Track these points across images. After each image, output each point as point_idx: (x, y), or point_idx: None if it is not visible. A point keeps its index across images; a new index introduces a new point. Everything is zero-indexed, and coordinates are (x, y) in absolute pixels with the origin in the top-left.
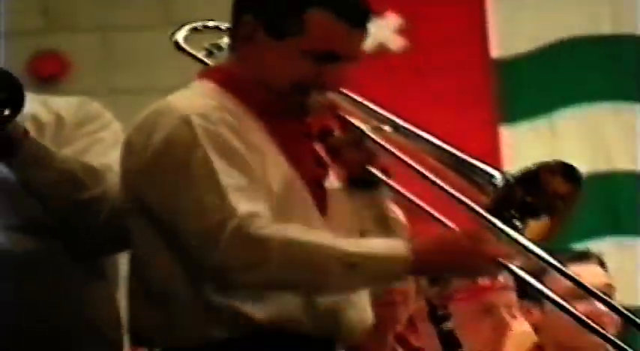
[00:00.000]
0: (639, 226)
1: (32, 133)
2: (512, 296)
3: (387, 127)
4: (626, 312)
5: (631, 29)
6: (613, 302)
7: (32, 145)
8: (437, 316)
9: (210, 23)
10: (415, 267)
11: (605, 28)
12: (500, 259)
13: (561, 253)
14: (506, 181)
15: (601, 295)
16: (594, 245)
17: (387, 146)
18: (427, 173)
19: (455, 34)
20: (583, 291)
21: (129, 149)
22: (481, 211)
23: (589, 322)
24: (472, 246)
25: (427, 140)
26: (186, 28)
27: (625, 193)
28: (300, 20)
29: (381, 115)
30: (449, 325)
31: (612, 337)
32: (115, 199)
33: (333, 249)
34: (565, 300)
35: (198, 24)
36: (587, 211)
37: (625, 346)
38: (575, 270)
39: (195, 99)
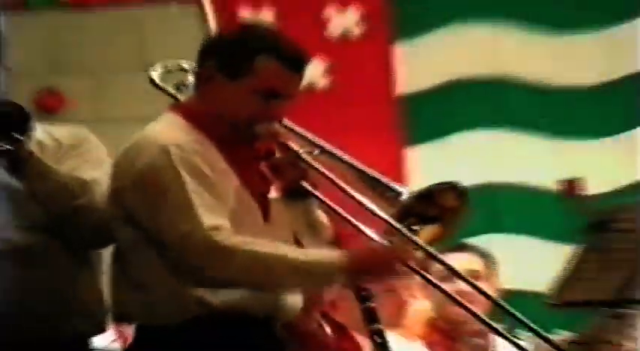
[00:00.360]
0: (520, 226)
1: (36, 153)
2: (412, 281)
3: (315, 151)
4: (483, 290)
5: (514, 72)
6: (474, 283)
7: (35, 163)
8: (361, 296)
9: (180, 65)
10: (349, 273)
11: (491, 69)
12: (410, 265)
13: (449, 245)
14: (409, 196)
15: (467, 278)
16: (482, 240)
17: (316, 166)
18: (347, 188)
19: (369, 75)
20: (452, 273)
21: (117, 170)
22: (388, 218)
23: (457, 298)
24: (390, 257)
25: (348, 162)
26: (160, 68)
27: (508, 200)
28: (251, 65)
29: (311, 140)
30: (371, 303)
31: (474, 310)
32: (99, 206)
33: (285, 258)
34: (441, 282)
35: (170, 65)
36: (478, 212)
37: (483, 317)
38: (453, 257)
39: (171, 132)
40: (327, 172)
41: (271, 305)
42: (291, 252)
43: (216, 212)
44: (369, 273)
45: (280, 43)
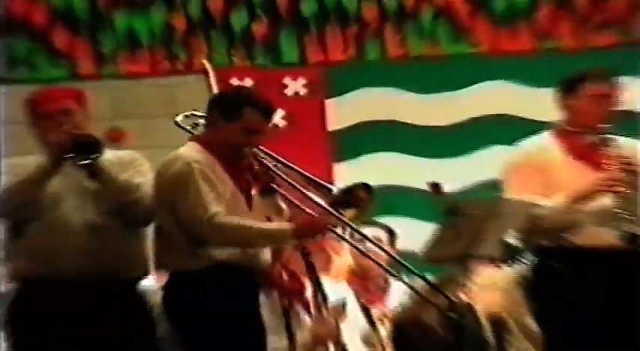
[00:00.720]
0: (407, 211)
1: (106, 167)
2: (337, 243)
3: (278, 165)
4: (385, 249)
5: (402, 118)
6: (379, 244)
7: (104, 173)
8: (304, 252)
9: (194, 113)
10: (296, 235)
11: (388, 116)
12: (333, 230)
13: (365, 222)
14: (337, 191)
15: (374, 241)
16: (384, 220)
17: (279, 173)
18: (298, 186)
19: (311, 118)
20: (365, 239)
21: (158, 176)
22: (326, 205)
23: (367, 253)
24: (320, 222)
25: (298, 171)
26: (181, 116)
27: (400, 196)
28: (240, 113)
29: (275, 158)
30: (310, 257)
31: (378, 261)
32: (144, 200)
33: (258, 228)
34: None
35: (188, 113)
36: (381, 202)
37: (384, 266)
38: (367, 230)
39: (192, 153)
40: (285, 177)
41: (252, 259)
42: (262, 224)
43: (217, 203)
44: (308, 235)
45: (258, 99)
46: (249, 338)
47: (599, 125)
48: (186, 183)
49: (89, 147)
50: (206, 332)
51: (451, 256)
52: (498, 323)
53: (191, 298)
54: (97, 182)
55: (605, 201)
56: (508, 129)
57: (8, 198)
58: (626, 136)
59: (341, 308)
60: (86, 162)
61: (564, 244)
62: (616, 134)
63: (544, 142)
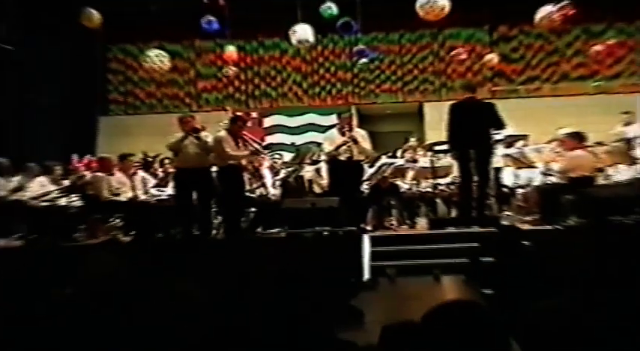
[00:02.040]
0: None
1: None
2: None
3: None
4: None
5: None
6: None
7: (200, 138)
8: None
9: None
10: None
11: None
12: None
13: None
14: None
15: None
16: None
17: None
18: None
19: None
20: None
21: (213, 140)
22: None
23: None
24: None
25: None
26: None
27: None
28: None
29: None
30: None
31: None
32: (211, 147)
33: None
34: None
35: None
36: None
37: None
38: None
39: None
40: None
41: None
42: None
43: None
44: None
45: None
46: None
47: None
48: (220, 141)
49: (197, 131)
50: None
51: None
52: None
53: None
54: (198, 141)
55: None
56: None
57: (172, 147)
58: None
59: None
60: (195, 135)
61: None
62: None
63: None
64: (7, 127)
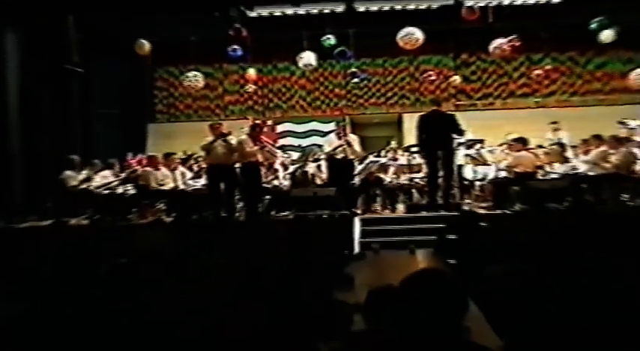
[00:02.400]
0: None
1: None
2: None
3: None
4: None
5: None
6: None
7: (227, 140)
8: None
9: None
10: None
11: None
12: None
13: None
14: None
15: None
16: None
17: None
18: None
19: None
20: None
21: (238, 142)
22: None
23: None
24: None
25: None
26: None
27: None
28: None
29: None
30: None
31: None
32: (235, 147)
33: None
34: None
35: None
36: None
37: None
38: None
39: (242, 136)
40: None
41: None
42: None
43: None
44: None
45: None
46: None
47: None
48: (242, 143)
49: (224, 135)
50: None
51: None
52: None
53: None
54: (225, 143)
55: None
56: None
57: (204, 147)
58: None
59: None
60: (223, 139)
61: None
62: None
63: None
64: (77, 131)
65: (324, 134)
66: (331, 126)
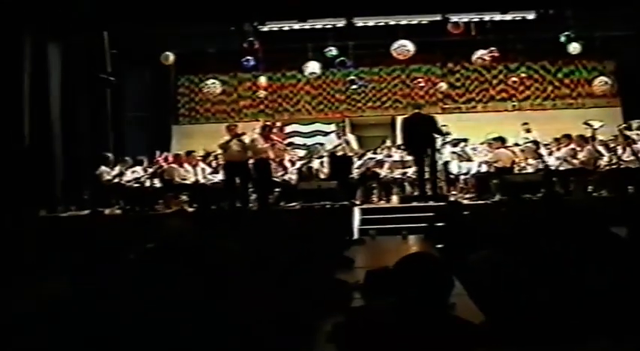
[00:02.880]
0: None
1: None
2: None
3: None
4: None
5: None
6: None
7: (242, 139)
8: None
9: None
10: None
11: None
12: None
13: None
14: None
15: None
16: None
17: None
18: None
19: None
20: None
21: (251, 141)
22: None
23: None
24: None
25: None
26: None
27: None
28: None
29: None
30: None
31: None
32: (249, 145)
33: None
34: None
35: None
36: None
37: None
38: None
39: (254, 134)
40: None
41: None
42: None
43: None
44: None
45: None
46: None
47: None
48: (255, 142)
49: (239, 135)
50: None
51: None
52: None
53: None
54: (240, 142)
55: None
56: None
57: (221, 146)
58: None
59: None
60: (237, 138)
61: None
62: None
63: None
64: (110, 132)
65: (327, 134)
66: (333, 127)
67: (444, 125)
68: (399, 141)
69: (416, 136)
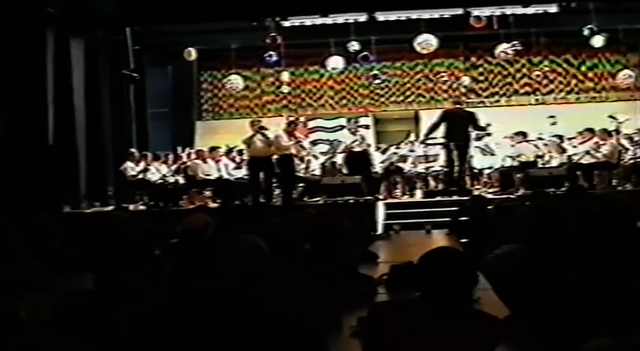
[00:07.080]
0: None
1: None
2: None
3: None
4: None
5: None
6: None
7: (265, 134)
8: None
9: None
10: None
11: None
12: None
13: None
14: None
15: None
16: None
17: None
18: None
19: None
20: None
21: (275, 136)
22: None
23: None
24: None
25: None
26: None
27: None
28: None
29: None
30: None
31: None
32: (273, 140)
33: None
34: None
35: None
36: None
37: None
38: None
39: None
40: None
41: None
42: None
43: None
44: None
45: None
46: None
47: None
48: (279, 137)
49: (262, 130)
50: None
51: None
52: None
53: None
54: (263, 137)
55: None
56: None
57: (245, 141)
58: None
59: None
60: (262, 133)
61: None
62: None
63: None
64: (133, 128)
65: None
66: (344, 122)
67: (488, 124)
68: (422, 135)
69: (455, 130)
